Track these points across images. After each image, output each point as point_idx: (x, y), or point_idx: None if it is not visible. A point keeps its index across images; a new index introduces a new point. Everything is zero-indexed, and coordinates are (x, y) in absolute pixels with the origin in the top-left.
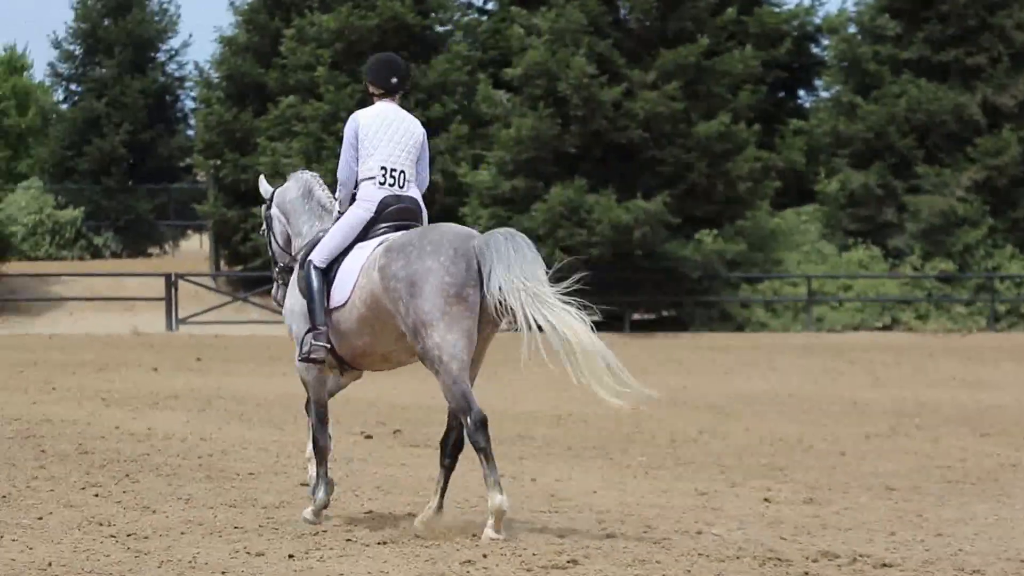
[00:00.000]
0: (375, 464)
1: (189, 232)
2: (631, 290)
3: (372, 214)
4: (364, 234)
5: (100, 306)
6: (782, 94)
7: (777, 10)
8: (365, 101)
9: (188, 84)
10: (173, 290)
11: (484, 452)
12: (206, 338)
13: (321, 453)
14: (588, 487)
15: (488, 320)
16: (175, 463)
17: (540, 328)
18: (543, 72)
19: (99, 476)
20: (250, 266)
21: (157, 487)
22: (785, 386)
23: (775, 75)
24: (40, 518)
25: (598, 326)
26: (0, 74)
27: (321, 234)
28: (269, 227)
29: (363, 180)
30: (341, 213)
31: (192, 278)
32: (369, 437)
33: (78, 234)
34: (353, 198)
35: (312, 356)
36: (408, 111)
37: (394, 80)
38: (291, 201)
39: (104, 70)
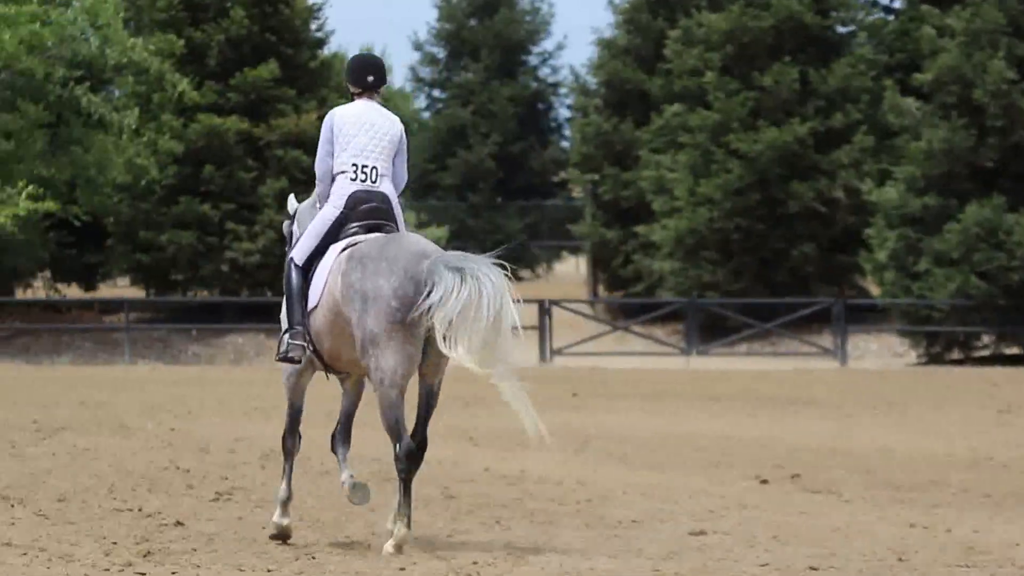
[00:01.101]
0: (771, 511)
1: (564, 254)
2: None
3: (342, 211)
4: (337, 233)
5: None
6: None
7: None
8: (757, 110)
9: (562, 91)
10: (547, 318)
11: (405, 482)
12: (582, 371)
13: (288, 452)
14: (1010, 539)
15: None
16: (550, 509)
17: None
18: (957, 78)
19: (467, 522)
20: (631, 291)
21: (530, 535)
22: None
23: None
24: (402, 569)
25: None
26: None
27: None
28: (288, 242)
29: (337, 174)
30: (320, 207)
31: (567, 304)
32: (765, 482)
33: None
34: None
35: (289, 355)
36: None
37: (370, 78)
38: (303, 210)
39: (470, 75)
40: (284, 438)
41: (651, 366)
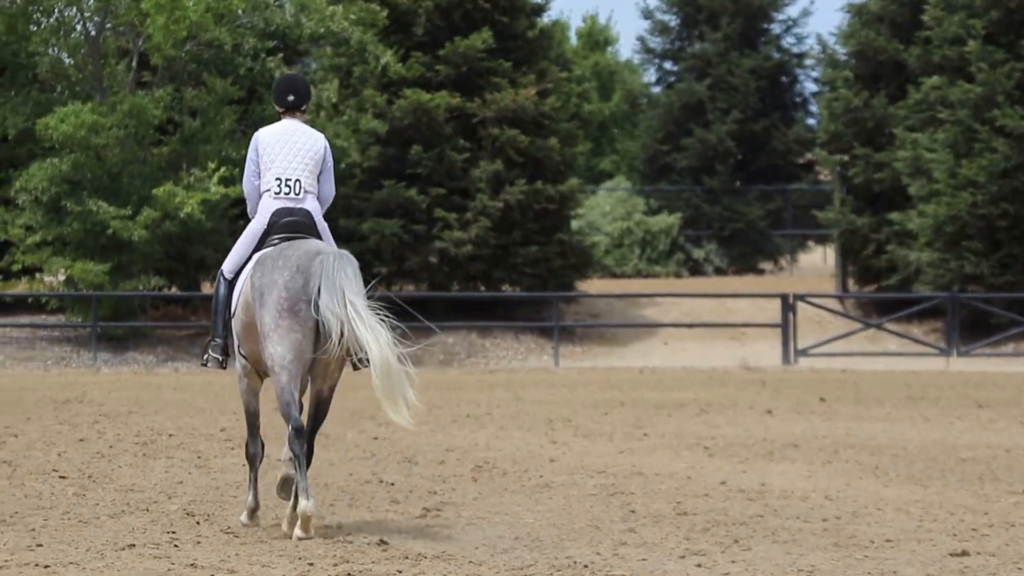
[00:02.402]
0: None
1: (810, 244)
2: None
3: (266, 225)
4: (260, 245)
5: (701, 334)
6: None
7: None
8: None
9: (808, 62)
10: (791, 315)
11: (298, 459)
12: (831, 373)
13: (251, 460)
14: None
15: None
16: (794, 527)
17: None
18: None
19: (701, 542)
20: (885, 285)
21: (772, 556)
22: None
23: None
24: None
25: None
26: (579, 51)
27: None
28: None
29: (263, 192)
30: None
31: (814, 300)
32: None
33: (674, 246)
34: None
35: (207, 364)
36: None
37: (291, 98)
38: None
39: (706, 45)
40: (247, 445)
41: (907, 368)
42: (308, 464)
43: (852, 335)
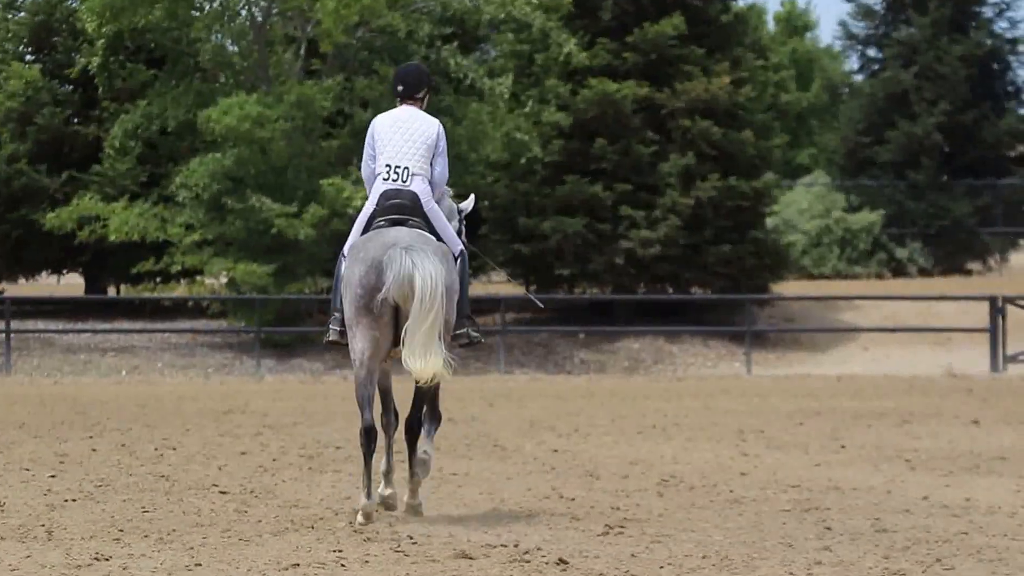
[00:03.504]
0: None
1: (1021, 242)
2: None
3: (375, 206)
4: (369, 227)
5: (904, 339)
6: None
7: None
8: None
9: (1022, 49)
10: (1000, 319)
11: (365, 456)
12: None
13: (383, 427)
14: None
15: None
16: (1001, 544)
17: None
18: None
19: (901, 561)
20: None
21: (977, 575)
22: None
23: None
24: None
25: None
26: (776, 36)
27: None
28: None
29: (376, 176)
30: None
31: None
32: None
33: (875, 245)
34: None
35: (329, 339)
36: None
37: (400, 87)
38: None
39: (913, 30)
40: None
41: None
42: (412, 452)
43: None
